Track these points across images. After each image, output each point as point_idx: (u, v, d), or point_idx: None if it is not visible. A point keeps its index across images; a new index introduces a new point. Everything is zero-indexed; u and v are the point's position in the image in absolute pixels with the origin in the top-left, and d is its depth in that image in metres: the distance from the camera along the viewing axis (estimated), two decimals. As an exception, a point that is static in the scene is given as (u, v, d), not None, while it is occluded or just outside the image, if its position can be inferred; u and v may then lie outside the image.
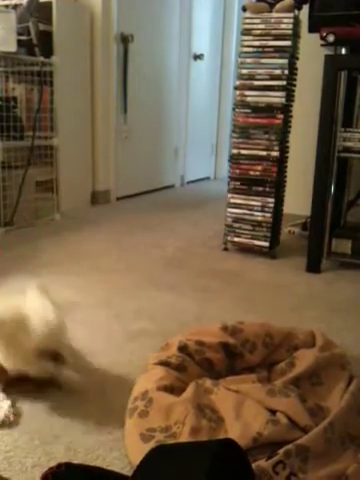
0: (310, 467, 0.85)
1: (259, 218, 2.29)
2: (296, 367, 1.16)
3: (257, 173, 2.26)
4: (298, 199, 2.90)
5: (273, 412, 0.98)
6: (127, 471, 0.89)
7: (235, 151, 2.29)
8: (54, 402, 1.12)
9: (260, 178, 2.26)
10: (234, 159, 2.30)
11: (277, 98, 2.18)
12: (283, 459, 0.85)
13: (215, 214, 3.23)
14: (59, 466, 0.73)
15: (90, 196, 3.44)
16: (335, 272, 2.16)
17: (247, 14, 2.18)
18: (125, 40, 3.44)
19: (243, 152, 2.27)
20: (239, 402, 1.00)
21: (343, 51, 2.06)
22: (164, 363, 1.13)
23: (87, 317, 1.60)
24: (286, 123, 2.26)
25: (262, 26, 2.15)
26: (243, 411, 0.98)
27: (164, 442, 0.91)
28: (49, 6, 2.87)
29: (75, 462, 0.88)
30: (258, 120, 2.23)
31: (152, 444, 0.90)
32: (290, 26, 2.11)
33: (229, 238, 2.39)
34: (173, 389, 1.06)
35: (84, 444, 0.98)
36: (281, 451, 0.86)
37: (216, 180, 5.06)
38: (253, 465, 0.82)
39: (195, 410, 0.98)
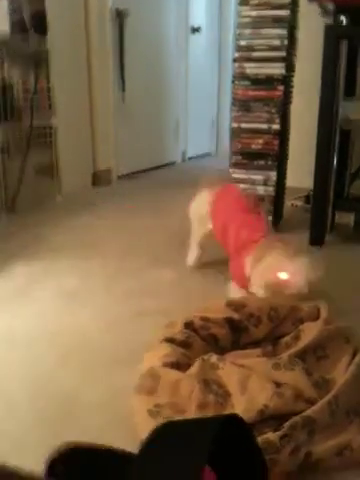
0: (316, 439, 0.87)
1: (262, 192, 2.27)
2: (301, 340, 1.17)
3: (259, 147, 2.24)
4: (301, 172, 2.87)
5: (279, 385, 0.98)
6: (134, 448, 0.90)
7: (235, 125, 2.26)
8: (59, 382, 1.13)
9: (262, 152, 2.24)
10: (235, 133, 2.27)
11: (277, 69, 2.14)
12: (289, 432, 0.85)
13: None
14: (65, 446, 0.74)
15: (91, 176, 3.41)
16: (339, 245, 2.15)
17: (244, -17, 2.13)
18: (120, 15, 3.37)
19: (244, 126, 2.24)
20: (245, 376, 1.01)
21: (343, 20, 2.01)
22: (169, 340, 1.14)
23: (92, 299, 1.61)
24: (287, 95, 2.23)
25: (260, -5, 2.10)
26: (249, 385, 0.99)
27: (172, 418, 0.92)
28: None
29: (82, 441, 0.89)
30: (258, 92, 2.19)
31: (160, 420, 0.91)
32: (289, -5, 2.06)
33: (232, 214, 2.37)
34: (179, 365, 1.07)
35: (91, 423, 0.99)
36: (287, 424, 0.87)
37: (217, 155, 5.02)
38: (260, 438, 0.83)
39: (201, 385, 0.99)
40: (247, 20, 2.15)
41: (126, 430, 0.96)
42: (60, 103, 2.96)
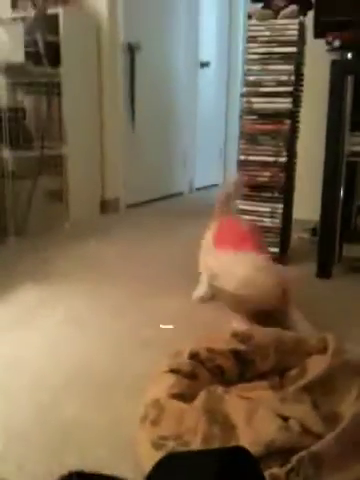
0: (323, 474, 0.85)
1: (268, 224, 2.28)
2: (309, 373, 1.15)
3: (265, 179, 2.26)
4: (308, 204, 2.88)
5: (286, 419, 0.97)
6: (137, 477, 0.89)
7: (243, 157, 2.29)
8: (62, 408, 1.12)
9: (268, 184, 2.26)
10: (242, 165, 2.30)
11: (284, 104, 2.18)
12: (296, 466, 0.84)
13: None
14: (70, 475, 0.73)
15: (99, 204, 3.45)
16: (346, 277, 2.14)
17: (252, 21, 2.19)
18: (132, 49, 3.46)
19: (251, 158, 2.27)
20: (251, 409, 1.00)
21: (349, 56, 2.05)
22: (175, 371, 1.13)
23: (98, 326, 1.60)
24: (294, 128, 2.26)
25: (267, 33, 2.16)
26: (255, 418, 0.97)
27: (176, 450, 0.90)
28: (56, 17, 2.90)
29: (86, 470, 0.88)
30: (265, 126, 2.23)
31: (164, 452, 0.90)
32: (295, 32, 2.11)
33: (239, 245, 2.38)
34: (184, 397, 1.06)
35: (95, 453, 0.97)
36: (294, 458, 0.85)
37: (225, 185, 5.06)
38: (266, 472, 0.81)
39: (207, 417, 0.97)
40: (255, 57, 2.20)
41: (129, 458, 0.95)
42: (71, 131, 3.02)
